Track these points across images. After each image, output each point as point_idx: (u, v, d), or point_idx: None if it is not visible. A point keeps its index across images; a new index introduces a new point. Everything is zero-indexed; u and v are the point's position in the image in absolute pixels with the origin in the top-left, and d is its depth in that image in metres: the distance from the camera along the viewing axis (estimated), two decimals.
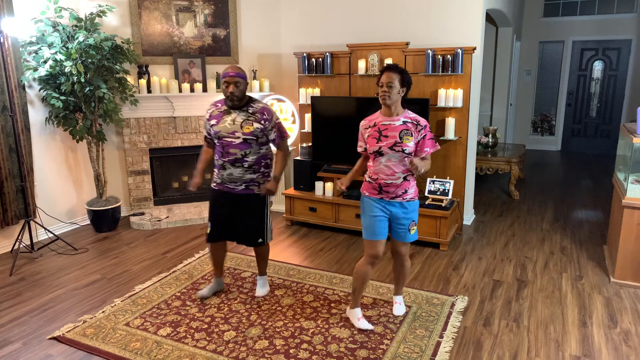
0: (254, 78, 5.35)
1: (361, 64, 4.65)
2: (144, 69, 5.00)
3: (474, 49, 4.22)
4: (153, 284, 3.56)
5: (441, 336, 2.84)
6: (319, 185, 4.73)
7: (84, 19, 4.41)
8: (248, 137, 2.97)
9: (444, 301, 3.26)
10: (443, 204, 4.20)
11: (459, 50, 4.19)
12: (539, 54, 8.72)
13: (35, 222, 4.36)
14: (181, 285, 3.54)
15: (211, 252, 3.31)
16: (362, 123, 2.88)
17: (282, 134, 3.12)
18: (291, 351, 2.70)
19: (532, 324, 3.00)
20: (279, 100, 5.25)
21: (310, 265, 3.91)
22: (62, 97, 4.25)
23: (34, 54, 4.24)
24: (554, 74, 8.74)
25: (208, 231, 3.22)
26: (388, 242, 3.01)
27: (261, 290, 3.37)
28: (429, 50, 4.31)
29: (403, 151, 2.71)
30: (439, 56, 4.32)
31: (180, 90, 5.08)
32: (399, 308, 3.09)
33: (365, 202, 2.86)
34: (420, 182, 4.46)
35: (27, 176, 4.23)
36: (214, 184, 3.16)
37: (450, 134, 4.36)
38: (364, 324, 2.94)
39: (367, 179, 2.85)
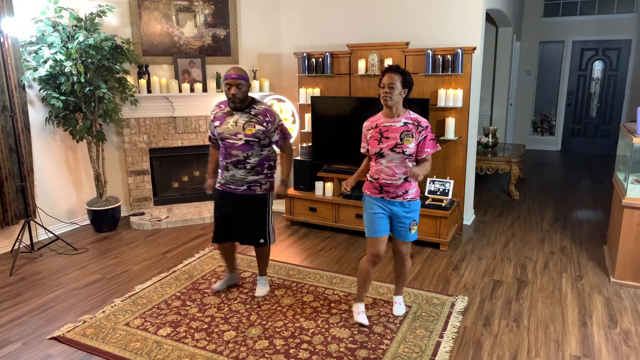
0: (254, 78, 5.35)
1: (361, 64, 4.65)
2: (144, 69, 5.00)
3: (474, 49, 4.22)
4: (153, 284, 3.56)
5: (441, 336, 2.84)
6: (319, 185, 4.73)
7: (84, 19, 4.41)
8: (250, 138, 2.98)
9: (444, 301, 3.26)
10: (443, 204, 4.20)
11: (459, 50, 4.19)
12: (539, 54, 8.72)
13: (35, 222, 4.36)
14: (181, 285, 3.54)
15: (220, 251, 3.37)
16: (365, 124, 2.89)
17: (284, 136, 3.13)
18: (291, 351, 2.70)
19: (532, 324, 3.00)
20: (279, 100, 5.25)
21: (310, 265, 3.91)
22: (62, 97, 4.25)
23: (34, 54, 4.24)
24: (554, 74, 8.74)
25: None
26: (389, 242, 3.02)
27: (261, 290, 3.38)
28: (429, 50, 4.31)
29: (404, 152, 2.71)
30: (439, 56, 4.32)
31: (180, 90, 5.08)
32: (399, 308, 3.10)
33: (366, 201, 2.89)
34: (421, 182, 4.46)
35: (27, 176, 4.23)
36: (218, 185, 3.18)
37: (450, 134, 4.36)
38: (360, 318, 2.97)
39: (369, 179, 2.87)
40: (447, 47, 4.29)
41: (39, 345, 2.81)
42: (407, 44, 4.48)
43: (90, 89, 4.30)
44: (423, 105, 4.12)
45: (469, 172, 4.71)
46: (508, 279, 3.63)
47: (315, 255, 4.12)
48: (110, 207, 4.72)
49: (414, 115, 2.79)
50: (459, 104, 4.31)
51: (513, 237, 4.51)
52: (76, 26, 4.41)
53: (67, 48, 4.20)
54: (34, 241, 4.43)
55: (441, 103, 4.36)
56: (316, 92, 4.94)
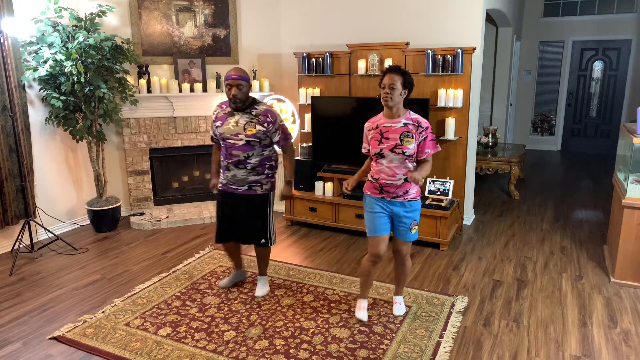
0: (254, 78, 5.35)
1: (361, 64, 4.65)
2: (144, 69, 5.00)
3: (474, 49, 4.22)
4: (153, 284, 3.56)
5: (441, 336, 2.84)
6: (319, 185, 4.73)
7: (84, 19, 4.41)
8: (251, 139, 2.98)
9: (444, 301, 3.26)
10: (443, 204, 4.20)
11: (459, 50, 4.19)
12: (539, 54, 8.72)
13: (35, 222, 4.36)
14: (181, 285, 3.54)
15: (224, 249, 3.41)
16: (366, 125, 2.91)
17: (286, 136, 3.13)
18: (291, 351, 2.70)
19: (532, 324, 3.00)
20: (279, 100, 5.25)
21: (310, 265, 3.91)
22: (62, 97, 4.25)
23: (34, 54, 4.24)
24: (554, 74, 8.74)
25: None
26: (390, 242, 3.02)
27: (261, 290, 3.38)
28: (429, 50, 4.31)
29: (403, 153, 2.72)
30: (439, 56, 4.31)
31: (180, 90, 5.08)
32: (399, 308, 3.10)
33: (367, 201, 2.91)
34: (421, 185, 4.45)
35: (27, 176, 4.23)
36: (220, 185, 3.20)
37: (450, 134, 4.36)
38: (360, 315, 3.00)
39: (369, 179, 2.89)
40: (447, 47, 4.29)
41: (39, 345, 2.81)
42: (407, 44, 4.48)
43: (90, 89, 4.30)
44: (423, 105, 4.12)
45: (469, 172, 4.71)
46: (508, 279, 3.63)
47: (315, 255, 4.12)
48: (110, 207, 4.72)
49: (414, 115, 2.79)
50: (459, 104, 4.31)
51: (513, 237, 4.51)
52: (76, 26, 4.41)
53: (67, 48, 4.20)
54: (34, 241, 4.43)
55: (441, 103, 4.36)
56: (316, 92, 4.94)
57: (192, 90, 5.15)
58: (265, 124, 2.99)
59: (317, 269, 3.80)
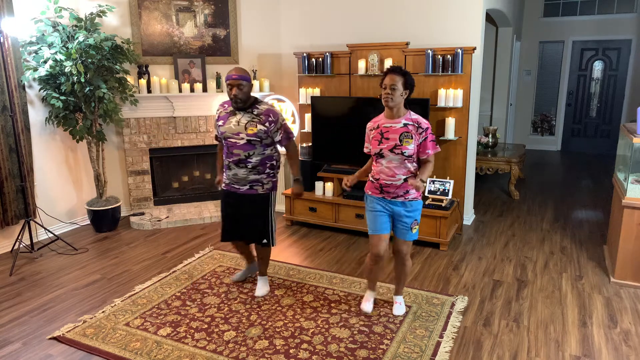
0: (254, 78, 5.35)
1: (361, 64, 4.65)
2: (144, 69, 5.00)
3: (474, 49, 4.22)
4: (153, 284, 3.56)
5: (441, 336, 2.84)
6: (319, 185, 4.73)
7: (84, 19, 4.41)
8: (252, 138, 2.99)
9: (444, 301, 3.26)
10: (443, 204, 4.20)
11: (459, 50, 4.19)
12: (539, 54, 8.72)
13: (35, 222, 4.36)
14: (181, 285, 3.54)
15: (233, 246, 3.50)
16: (368, 125, 2.92)
17: (288, 135, 3.15)
18: (291, 351, 2.70)
19: (532, 324, 3.00)
20: (279, 100, 5.25)
21: (310, 265, 3.91)
22: (62, 97, 4.25)
23: (34, 54, 4.24)
24: (554, 74, 8.74)
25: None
26: (390, 242, 3.03)
27: (261, 290, 3.38)
28: (429, 50, 4.31)
29: (402, 154, 2.72)
30: (439, 56, 4.31)
31: (180, 90, 5.08)
32: (399, 308, 3.10)
33: (367, 200, 2.94)
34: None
35: (27, 176, 4.23)
36: (223, 184, 3.23)
37: (450, 134, 4.36)
38: (364, 306, 3.08)
39: (370, 179, 2.91)
40: (447, 47, 4.29)
41: (39, 345, 2.81)
42: (407, 44, 4.48)
43: (90, 89, 4.30)
44: (423, 105, 4.12)
45: (469, 172, 4.71)
46: (508, 279, 3.63)
47: (315, 255, 4.12)
48: (110, 207, 4.72)
49: (414, 116, 2.79)
50: (459, 104, 4.31)
51: (513, 237, 4.51)
52: (76, 26, 4.41)
53: (67, 48, 4.20)
54: (34, 241, 4.43)
55: (441, 103, 4.36)
56: (316, 92, 4.94)
57: (192, 90, 5.15)
58: (266, 124, 3.00)
59: (317, 269, 3.80)
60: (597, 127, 8.68)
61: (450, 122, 4.34)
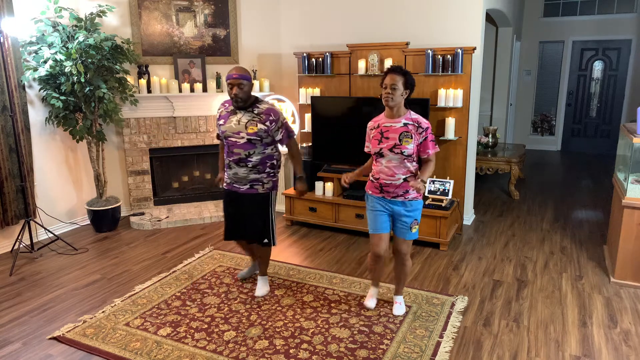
0: (254, 78, 5.35)
1: (361, 64, 4.65)
2: (144, 69, 5.00)
3: (474, 49, 4.22)
4: (153, 284, 3.56)
5: (441, 336, 2.84)
6: (319, 185, 4.73)
7: (84, 19, 4.41)
8: (252, 137, 3.00)
9: (444, 301, 3.25)
10: (443, 204, 4.20)
11: (459, 50, 4.19)
12: (539, 54, 8.72)
13: (35, 222, 4.36)
14: (181, 285, 3.54)
15: (237, 244, 3.56)
16: (369, 124, 2.94)
17: (289, 133, 3.16)
18: (291, 351, 2.70)
19: (532, 324, 3.00)
20: (279, 100, 5.25)
21: (310, 265, 3.91)
22: (62, 97, 4.25)
23: (34, 54, 4.24)
24: (554, 74, 8.74)
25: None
26: (391, 242, 3.03)
27: (261, 290, 3.38)
28: (429, 50, 4.31)
29: (402, 153, 2.73)
30: (439, 56, 4.31)
31: (180, 90, 5.08)
32: (399, 308, 3.10)
33: (368, 199, 2.96)
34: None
35: (27, 176, 4.23)
36: (225, 184, 3.25)
37: (450, 134, 4.36)
38: (367, 302, 3.14)
39: (371, 179, 2.93)
40: (447, 47, 4.29)
41: (39, 345, 2.81)
42: (407, 44, 4.48)
43: (90, 89, 4.30)
44: (423, 105, 4.12)
45: (469, 172, 4.71)
46: (508, 279, 3.63)
47: (315, 255, 4.11)
48: (110, 207, 4.72)
49: (414, 116, 2.80)
50: (459, 104, 4.31)
51: (513, 237, 4.51)
52: (76, 26, 4.41)
53: (67, 48, 4.20)
54: (34, 241, 4.43)
55: (441, 103, 4.35)
56: (316, 92, 4.94)
57: (192, 90, 5.15)
58: (267, 123, 3.01)
59: (317, 269, 3.80)
60: (597, 127, 8.68)
61: (450, 122, 4.34)
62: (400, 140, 2.73)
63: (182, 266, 3.89)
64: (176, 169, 5.51)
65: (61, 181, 4.77)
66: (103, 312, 3.16)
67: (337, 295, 3.36)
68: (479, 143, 6.16)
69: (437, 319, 3.02)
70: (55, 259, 4.10)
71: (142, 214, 5.07)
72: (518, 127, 9.12)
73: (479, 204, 5.62)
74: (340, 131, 4.60)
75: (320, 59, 4.86)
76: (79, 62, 4.17)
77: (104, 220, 4.73)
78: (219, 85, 5.25)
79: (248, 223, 3.22)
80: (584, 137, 8.83)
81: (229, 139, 3.06)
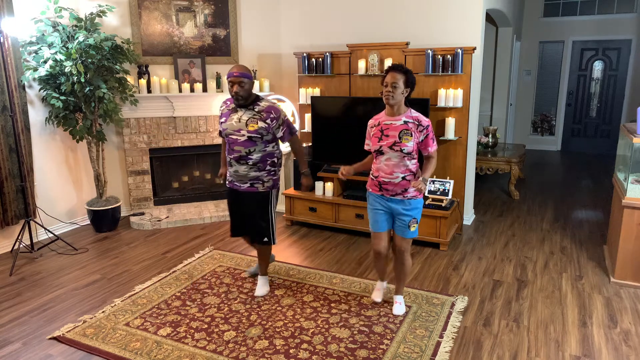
0: (254, 78, 5.35)
1: (361, 64, 4.65)
2: (144, 69, 5.00)
3: (474, 49, 4.22)
4: (153, 284, 3.56)
5: (441, 336, 2.84)
6: (319, 185, 4.73)
7: (84, 19, 4.41)
8: (253, 135, 3.02)
9: (444, 301, 3.25)
10: (443, 204, 4.20)
11: (459, 50, 4.19)
12: (539, 54, 8.71)
13: (35, 222, 4.36)
14: (181, 285, 3.54)
15: (245, 241, 3.56)
16: (370, 122, 2.97)
17: (291, 130, 3.18)
18: (291, 351, 2.70)
19: (532, 324, 3.00)
20: (279, 100, 5.25)
21: (310, 265, 3.91)
22: (62, 97, 4.25)
23: (34, 54, 4.24)
24: (554, 74, 8.74)
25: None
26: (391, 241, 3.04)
27: (261, 290, 3.38)
28: (429, 50, 4.31)
29: (402, 151, 2.75)
30: (439, 56, 4.31)
31: (180, 90, 5.08)
32: (399, 308, 3.10)
33: (369, 198, 3.00)
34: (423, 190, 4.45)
35: (27, 176, 4.22)
36: (227, 182, 3.28)
37: (450, 134, 4.36)
38: (374, 295, 3.22)
39: (371, 177, 2.96)
40: (447, 47, 4.29)
41: (39, 345, 2.81)
42: (407, 44, 4.48)
43: (90, 89, 4.30)
44: (423, 105, 4.12)
45: (469, 172, 4.71)
46: (508, 279, 3.63)
47: (315, 255, 4.11)
48: (110, 207, 4.72)
49: (415, 114, 2.81)
50: (459, 104, 4.31)
51: (513, 237, 4.51)
52: (76, 26, 4.41)
53: (67, 48, 4.20)
54: (34, 241, 4.43)
55: (441, 103, 4.35)
56: (316, 92, 4.94)
57: (192, 90, 5.15)
58: (268, 120, 3.03)
59: (317, 269, 3.80)
60: (597, 127, 8.68)
61: (450, 122, 4.34)
62: (400, 137, 2.75)
63: (182, 266, 3.89)
64: (176, 169, 5.51)
65: (61, 181, 4.77)
66: (103, 312, 3.16)
67: (337, 295, 3.36)
68: (479, 143, 6.16)
69: (437, 319, 3.02)
70: (55, 259, 4.10)
71: (142, 214, 5.07)
72: (518, 127, 9.12)
73: (479, 204, 5.62)
74: (340, 131, 4.60)
75: (320, 59, 4.86)
76: (79, 62, 4.17)
77: (104, 220, 4.73)
78: (219, 85, 5.25)
79: (248, 221, 3.25)
80: (584, 137, 8.83)
81: (230, 136, 3.08)
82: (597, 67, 8.43)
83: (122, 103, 4.84)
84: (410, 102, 3.00)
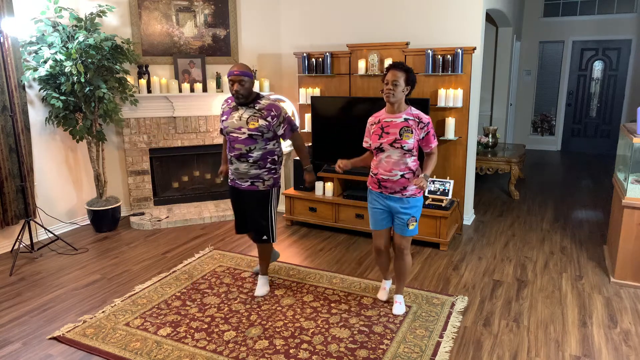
0: (254, 78, 5.35)
1: (361, 64, 4.65)
2: (144, 69, 5.00)
3: (474, 49, 4.22)
4: (153, 284, 3.56)
5: (441, 336, 2.84)
6: (319, 185, 4.73)
7: (84, 19, 4.41)
8: (253, 132, 3.03)
9: (444, 301, 3.25)
10: (443, 204, 4.20)
11: (459, 50, 4.19)
12: (539, 54, 8.71)
13: (35, 222, 4.36)
14: (181, 285, 3.54)
15: (249, 237, 3.61)
16: (369, 119, 2.99)
17: (292, 127, 3.19)
18: (291, 351, 2.70)
19: (532, 324, 3.00)
20: (279, 100, 5.25)
21: (310, 265, 3.91)
22: (62, 97, 4.25)
23: (34, 54, 4.24)
24: (554, 74, 8.73)
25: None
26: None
27: (261, 290, 3.38)
28: (429, 50, 4.31)
29: (402, 148, 2.77)
30: (439, 56, 4.31)
31: (180, 90, 5.08)
32: (399, 307, 3.10)
33: (369, 196, 3.03)
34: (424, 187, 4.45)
35: (27, 176, 4.22)
36: (229, 180, 3.31)
37: (450, 134, 4.36)
38: (379, 294, 3.25)
39: (370, 174, 2.98)
40: (447, 47, 4.29)
41: (39, 345, 2.81)
42: (407, 44, 4.48)
43: (90, 89, 4.30)
44: (423, 105, 4.11)
45: (469, 172, 4.71)
46: (508, 279, 3.63)
47: (315, 255, 4.11)
48: (110, 207, 4.72)
49: (415, 111, 2.84)
50: (459, 104, 4.31)
51: (513, 237, 4.51)
52: (76, 26, 4.41)
53: (67, 48, 4.20)
54: (34, 241, 4.43)
55: (441, 103, 4.35)
56: (316, 92, 4.94)
57: (192, 90, 5.15)
58: (268, 118, 3.04)
59: (317, 269, 3.80)
60: (597, 127, 8.68)
61: (450, 122, 4.34)
62: (400, 135, 2.77)
63: (182, 266, 3.89)
64: (176, 169, 5.51)
65: (61, 181, 4.77)
66: (103, 312, 3.16)
67: (337, 295, 3.36)
68: (479, 143, 6.16)
69: (437, 319, 3.02)
70: (55, 259, 4.10)
71: (142, 214, 5.07)
72: (518, 127, 9.12)
73: (479, 204, 5.62)
74: (340, 131, 4.60)
75: (320, 59, 4.86)
76: (79, 62, 4.17)
77: (104, 220, 4.73)
78: (219, 85, 5.25)
79: (249, 219, 3.26)
80: (584, 137, 8.83)
81: (231, 134, 3.10)
82: (597, 67, 8.43)
83: (122, 103, 4.84)
84: (411, 102, 3.02)
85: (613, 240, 3.72)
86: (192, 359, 2.65)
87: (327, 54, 4.78)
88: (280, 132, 3.13)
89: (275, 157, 3.19)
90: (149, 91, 4.99)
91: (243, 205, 3.26)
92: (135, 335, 2.88)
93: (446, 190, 4.28)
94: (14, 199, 4.20)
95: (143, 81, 4.91)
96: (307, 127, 5.04)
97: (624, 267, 3.46)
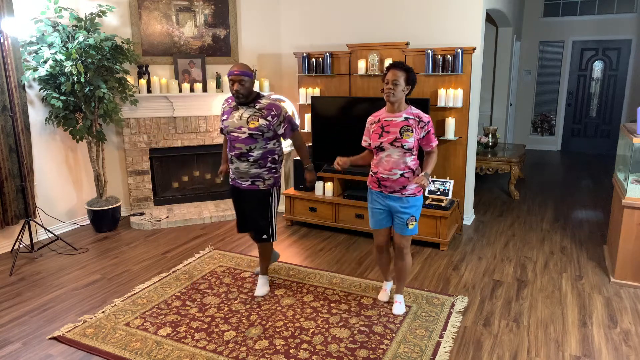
0: (254, 78, 5.35)
1: (361, 64, 4.65)
2: (144, 69, 5.00)
3: (474, 49, 4.22)
4: (153, 284, 3.56)
5: (441, 336, 2.84)
6: (319, 185, 4.73)
7: (84, 19, 4.41)
8: (254, 132, 3.04)
9: (444, 301, 3.25)
10: (443, 204, 4.20)
11: (459, 50, 4.19)
12: (539, 54, 8.71)
13: (35, 222, 4.36)
14: (181, 285, 3.54)
15: (250, 236, 3.59)
16: (369, 118, 2.99)
17: (293, 127, 3.20)
18: (291, 351, 2.70)
19: (532, 324, 3.00)
20: (279, 100, 5.25)
21: (310, 265, 3.91)
22: (62, 97, 4.25)
23: (34, 54, 4.24)
24: (554, 74, 8.73)
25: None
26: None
27: (261, 290, 3.38)
28: (429, 50, 4.31)
29: (402, 147, 2.78)
30: (439, 56, 4.31)
31: (180, 90, 5.08)
32: (399, 307, 3.10)
33: (369, 195, 3.04)
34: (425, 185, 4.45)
35: (27, 176, 4.22)
36: (230, 179, 3.32)
37: (450, 134, 4.36)
38: (380, 295, 3.28)
39: (370, 173, 2.99)
40: (447, 47, 4.29)
41: (39, 345, 2.81)
42: (407, 44, 4.48)
43: (90, 89, 4.30)
44: (423, 105, 4.11)
45: (469, 172, 4.71)
46: (508, 279, 3.63)
47: (315, 255, 4.11)
48: (110, 207, 4.72)
49: (415, 110, 2.84)
50: (459, 104, 4.31)
51: (513, 237, 4.51)
52: (76, 26, 4.41)
53: (67, 48, 4.20)
54: (34, 241, 4.43)
55: (441, 103, 4.35)
56: (316, 92, 4.94)
57: (192, 90, 5.15)
58: (269, 118, 3.05)
59: (317, 269, 3.80)
60: (597, 127, 8.68)
61: (450, 122, 4.34)
62: (401, 134, 2.77)
63: (182, 266, 3.89)
64: (176, 169, 5.51)
65: (61, 181, 4.77)
66: (103, 312, 3.16)
67: (337, 295, 3.36)
68: (479, 143, 6.16)
69: (437, 319, 3.02)
70: (55, 259, 4.10)
71: (142, 214, 5.07)
72: (518, 127, 9.12)
73: (479, 204, 5.62)
74: (340, 131, 4.60)
75: (320, 59, 4.86)
76: (79, 62, 4.17)
77: (104, 220, 4.73)
78: (219, 85, 5.25)
79: (249, 219, 3.27)
80: (584, 137, 8.83)
81: (232, 134, 3.10)
82: (597, 67, 8.43)
83: (122, 103, 4.84)
84: (411, 102, 3.02)
85: (613, 240, 3.72)
86: (192, 359, 2.65)
87: (327, 54, 4.78)
88: (281, 131, 3.13)
89: (276, 157, 3.19)
90: (149, 91, 4.99)
91: (244, 204, 3.26)
92: (135, 335, 2.88)
93: (446, 190, 4.28)
94: (14, 199, 4.20)
95: (143, 81, 4.91)
96: (307, 127, 5.04)
97: (624, 267, 3.46)
